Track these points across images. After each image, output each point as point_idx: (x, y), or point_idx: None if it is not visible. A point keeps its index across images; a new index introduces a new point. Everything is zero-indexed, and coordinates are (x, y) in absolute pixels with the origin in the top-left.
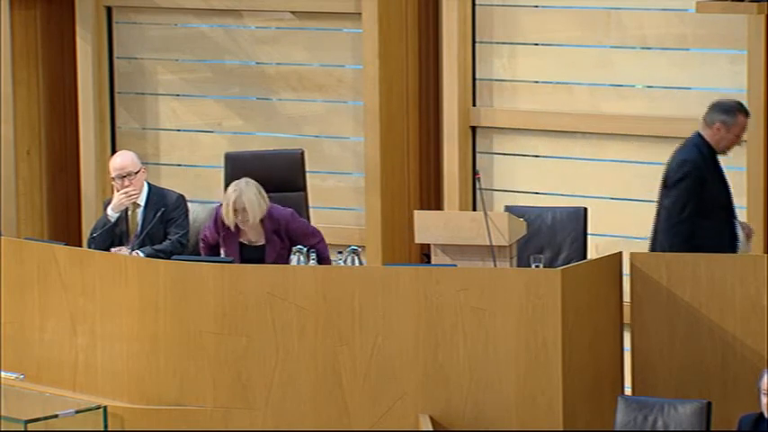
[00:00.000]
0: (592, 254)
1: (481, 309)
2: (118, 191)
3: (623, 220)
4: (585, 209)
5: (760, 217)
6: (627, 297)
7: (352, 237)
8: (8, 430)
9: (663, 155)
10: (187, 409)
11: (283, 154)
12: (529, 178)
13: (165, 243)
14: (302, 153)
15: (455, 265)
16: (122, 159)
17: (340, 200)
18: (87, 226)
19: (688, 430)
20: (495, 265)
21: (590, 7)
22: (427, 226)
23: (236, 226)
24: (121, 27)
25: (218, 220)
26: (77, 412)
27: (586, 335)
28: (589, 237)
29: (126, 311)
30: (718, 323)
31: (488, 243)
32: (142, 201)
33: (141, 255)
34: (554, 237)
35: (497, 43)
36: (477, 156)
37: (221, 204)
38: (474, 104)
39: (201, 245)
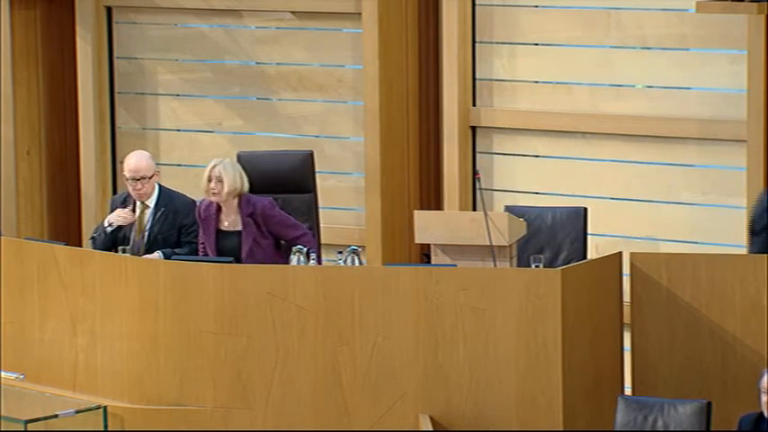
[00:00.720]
0: (592, 254)
1: (481, 309)
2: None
3: (623, 220)
4: (585, 209)
5: None
6: (627, 297)
7: (352, 237)
8: (8, 430)
9: (663, 155)
10: (187, 409)
11: (291, 155)
12: (529, 178)
13: (184, 248)
14: (311, 154)
15: (455, 265)
16: (137, 162)
17: (340, 200)
18: (87, 226)
19: (688, 430)
20: (495, 265)
21: (590, 7)
22: (427, 226)
23: (216, 211)
24: (121, 27)
25: (200, 207)
26: (77, 412)
27: (586, 335)
28: (589, 237)
29: (126, 311)
30: (718, 323)
31: (488, 243)
32: (152, 203)
33: (161, 256)
34: (554, 237)
35: (497, 43)
36: (477, 156)
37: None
38: (474, 104)
39: None
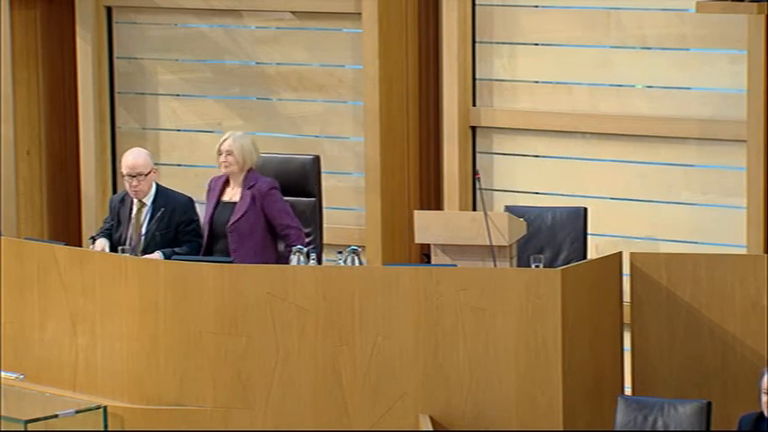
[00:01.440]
0: (592, 254)
1: (481, 309)
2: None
3: (623, 220)
4: (585, 209)
5: (760, 217)
6: (627, 297)
7: (352, 237)
8: (8, 430)
9: (663, 155)
10: (187, 409)
11: (297, 159)
12: (529, 178)
13: (183, 247)
14: (317, 158)
15: (455, 265)
16: (135, 159)
17: (340, 200)
18: (87, 226)
19: (688, 430)
20: (495, 265)
21: (590, 7)
22: (427, 226)
23: (224, 183)
24: (121, 27)
25: (211, 180)
26: (77, 412)
27: (586, 335)
28: (589, 237)
29: (126, 311)
30: (718, 323)
31: (488, 243)
32: (149, 201)
33: (161, 256)
34: (554, 237)
35: (497, 43)
36: (477, 156)
37: None
38: (474, 104)
39: None
